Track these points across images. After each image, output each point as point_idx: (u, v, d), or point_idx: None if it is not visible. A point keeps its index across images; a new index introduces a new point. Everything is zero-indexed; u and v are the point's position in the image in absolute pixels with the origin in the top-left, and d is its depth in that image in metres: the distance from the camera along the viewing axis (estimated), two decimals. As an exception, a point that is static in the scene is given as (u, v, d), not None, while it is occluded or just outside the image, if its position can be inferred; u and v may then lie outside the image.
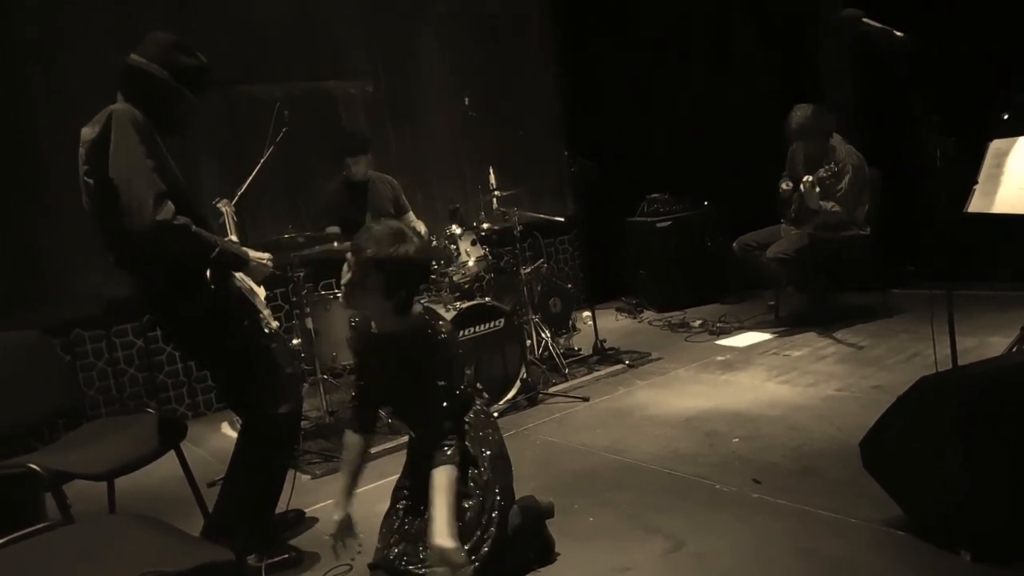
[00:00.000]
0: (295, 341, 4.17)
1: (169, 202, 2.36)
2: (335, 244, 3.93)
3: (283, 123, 3.78)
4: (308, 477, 3.45)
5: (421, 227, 4.60)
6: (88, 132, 2.42)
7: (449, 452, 2.19)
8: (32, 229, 4.24)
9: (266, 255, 2.72)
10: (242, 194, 3.62)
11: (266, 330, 2.68)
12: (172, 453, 2.58)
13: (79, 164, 2.47)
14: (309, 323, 4.01)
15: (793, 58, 5.69)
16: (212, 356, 2.69)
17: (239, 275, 2.68)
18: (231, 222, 3.13)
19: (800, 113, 4.70)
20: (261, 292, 2.78)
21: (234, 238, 2.93)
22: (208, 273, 2.48)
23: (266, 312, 2.74)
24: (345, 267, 2.18)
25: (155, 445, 2.50)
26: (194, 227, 2.42)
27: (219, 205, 3.21)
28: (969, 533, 2.11)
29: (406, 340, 2.25)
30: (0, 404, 2.52)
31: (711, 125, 5.80)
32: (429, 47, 5.83)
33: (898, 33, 2.75)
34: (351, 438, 2.43)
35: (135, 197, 2.32)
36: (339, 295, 3.67)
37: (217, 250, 2.47)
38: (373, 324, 2.32)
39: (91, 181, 2.43)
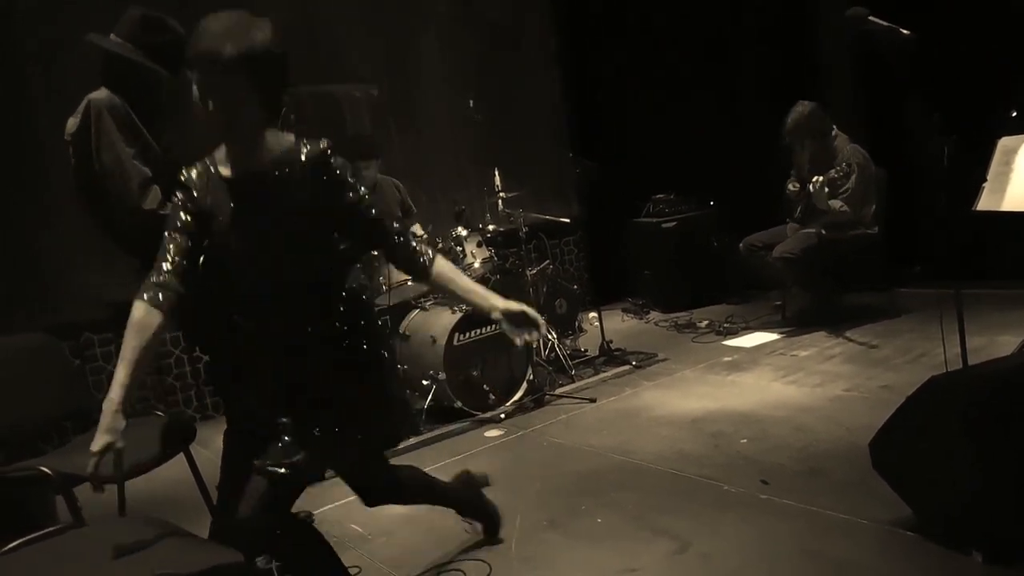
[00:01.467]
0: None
1: (156, 188, 2.33)
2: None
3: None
4: (315, 479, 3.45)
5: (418, 230, 4.62)
6: (71, 123, 2.41)
7: (423, 250, 1.85)
8: (32, 229, 4.23)
9: None
10: None
11: None
12: (181, 455, 2.58)
13: (69, 157, 2.45)
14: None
15: (794, 58, 5.68)
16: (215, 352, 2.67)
17: None
18: None
19: (798, 111, 4.68)
20: None
21: None
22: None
23: None
24: (197, 94, 1.64)
25: (164, 447, 2.50)
26: None
27: None
28: (980, 534, 2.10)
29: (291, 166, 1.75)
30: (7, 407, 2.53)
31: (715, 125, 5.79)
32: (431, 48, 5.82)
33: (904, 31, 2.74)
34: (144, 311, 1.81)
35: (120, 187, 2.31)
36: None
37: None
38: (222, 167, 1.78)
39: (78, 173, 2.42)
